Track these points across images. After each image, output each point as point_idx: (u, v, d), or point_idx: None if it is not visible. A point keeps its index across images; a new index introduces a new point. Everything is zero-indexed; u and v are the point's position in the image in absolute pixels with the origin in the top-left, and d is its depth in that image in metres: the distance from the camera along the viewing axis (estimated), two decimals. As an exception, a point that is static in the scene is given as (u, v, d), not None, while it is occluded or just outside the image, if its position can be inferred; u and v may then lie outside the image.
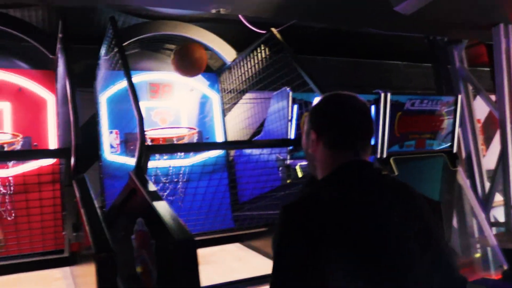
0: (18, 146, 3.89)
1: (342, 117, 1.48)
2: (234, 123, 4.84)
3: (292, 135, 3.61)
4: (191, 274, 1.72)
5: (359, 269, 1.28)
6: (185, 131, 4.40)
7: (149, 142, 4.08)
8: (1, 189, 3.56)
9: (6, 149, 3.75)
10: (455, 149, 4.98)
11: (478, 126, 5.99)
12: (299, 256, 1.31)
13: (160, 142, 4.02)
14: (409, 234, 1.36)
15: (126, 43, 4.33)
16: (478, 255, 5.33)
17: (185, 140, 4.19)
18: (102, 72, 4.34)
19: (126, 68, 3.17)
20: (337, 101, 1.52)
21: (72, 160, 2.47)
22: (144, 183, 2.39)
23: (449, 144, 5.00)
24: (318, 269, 1.27)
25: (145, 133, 4.15)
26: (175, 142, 4.05)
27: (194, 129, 4.40)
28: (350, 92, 1.53)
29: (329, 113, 1.50)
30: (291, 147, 3.65)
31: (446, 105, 4.92)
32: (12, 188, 3.15)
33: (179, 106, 4.80)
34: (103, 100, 4.51)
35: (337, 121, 1.48)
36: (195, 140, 4.29)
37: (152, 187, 2.36)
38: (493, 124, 6.34)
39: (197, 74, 4.58)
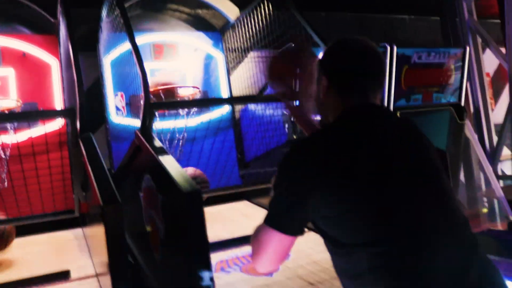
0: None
1: (353, 60, 1.48)
2: (239, 82, 4.81)
3: (297, 89, 3.58)
4: (197, 225, 1.75)
5: (361, 199, 1.31)
6: (193, 90, 4.38)
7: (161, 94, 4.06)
8: (7, 154, 3.60)
9: None
10: (462, 102, 4.94)
11: (487, 79, 5.91)
12: (300, 180, 1.35)
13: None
14: (413, 168, 1.38)
15: (127, 5, 4.28)
16: (485, 209, 5.36)
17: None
18: (104, 35, 4.30)
19: (128, 28, 3.13)
20: (347, 45, 1.52)
21: (78, 120, 2.49)
22: (150, 140, 2.40)
23: (456, 95, 4.96)
24: (315, 196, 1.32)
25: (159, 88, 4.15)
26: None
27: (197, 87, 4.37)
28: (359, 36, 1.52)
29: (340, 57, 1.51)
30: (297, 102, 3.63)
31: (454, 58, 4.85)
32: (20, 153, 3.17)
33: (183, 66, 4.77)
34: (107, 63, 4.49)
35: (347, 64, 1.48)
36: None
37: (158, 143, 2.38)
38: (503, 78, 6.25)
39: None
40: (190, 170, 3.41)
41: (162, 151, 2.22)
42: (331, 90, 1.50)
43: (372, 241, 1.28)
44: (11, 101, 3.93)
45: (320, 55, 1.60)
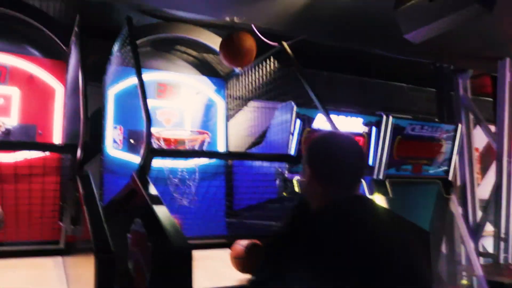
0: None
1: (334, 156, 1.61)
2: (237, 129, 4.91)
3: (292, 149, 3.68)
4: (185, 281, 1.79)
5: None
6: (192, 134, 4.47)
7: (161, 142, 4.17)
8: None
9: None
10: (450, 177, 5.05)
11: (475, 154, 6.06)
12: (281, 262, 1.49)
13: (172, 142, 4.12)
14: (393, 260, 1.47)
15: (139, 42, 4.40)
16: (465, 281, 5.40)
17: (196, 143, 4.27)
18: (113, 68, 4.40)
19: (138, 67, 3.23)
20: (331, 140, 1.68)
21: (78, 156, 2.53)
22: (146, 186, 2.45)
23: (444, 169, 5.08)
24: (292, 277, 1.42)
25: (159, 132, 4.26)
26: (187, 144, 4.16)
27: (207, 133, 4.46)
28: (343, 132, 1.70)
29: (323, 151, 1.64)
30: (290, 162, 3.73)
31: (445, 132, 5.00)
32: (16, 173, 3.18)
33: (184, 107, 4.86)
34: (111, 94, 4.57)
35: (329, 159, 1.62)
36: (206, 144, 4.38)
37: (153, 190, 2.43)
38: (491, 154, 6.40)
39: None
40: None
41: (157, 201, 2.27)
42: (313, 179, 1.62)
43: None
44: None
45: (305, 146, 1.73)
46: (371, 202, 1.70)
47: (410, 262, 1.52)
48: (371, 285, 1.41)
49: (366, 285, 1.40)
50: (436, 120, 5.89)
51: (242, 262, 3.22)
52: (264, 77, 4.37)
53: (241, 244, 3.27)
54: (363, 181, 1.68)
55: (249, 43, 4.16)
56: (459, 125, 5.09)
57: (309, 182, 1.64)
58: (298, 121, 3.82)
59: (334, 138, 1.71)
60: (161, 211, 2.12)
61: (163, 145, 4.23)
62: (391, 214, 1.67)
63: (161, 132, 4.41)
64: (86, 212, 2.09)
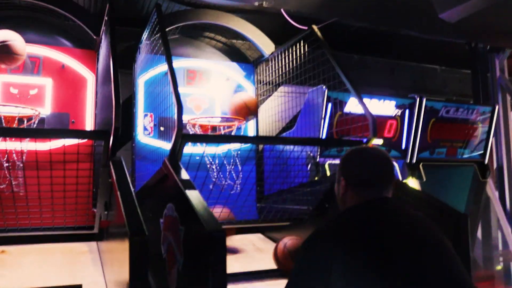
0: (35, 122, 3.93)
1: (365, 163, 1.82)
2: (267, 115, 4.89)
3: (324, 133, 3.64)
4: (219, 266, 1.79)
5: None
6: (221, 120, 4.49)
7: (197, 128, 4.22)
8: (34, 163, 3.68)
9: (25, 123, 3.84)
10: (486, 160, 4.92)
11: (512, 137, 5.89)
12: (317, 260, 1.56)
13: (208, 128, 4.19)
14: (420, 260, 1.55)
15: (168, 29, 4.40)
16: (499, 267, 5.28)
17: (232, 129, 4.30)
18: (142, 56, 4.43)
19: (168, 54, 3.22)
20: (362, 153, 1.88)
21: (111, 142, 2.56)
22: (178, 170, 2.46)
23: (480, 153, 4.95)
24: (329, 274, 1.50)
25: (195, 119, 4.30)
26: (223, 130, 4.19)
27: (241, 119, 4.47)
28: (372, 146, 1.76)
29: (354, 161, 1.85)
30: (322, 146, 3.69)
31: (481, 114, 4.87)
32: (51, 160, 3.24)
33: (214, 94, 4.86)
34: (141, 82, 4.61)
35: (360, 166, 1.82)
36: (242, 129, 4.40)
37: (185, 175, 2.43)
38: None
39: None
40: None
41: (189, 185, 2.27)
42: (348, 189, 1.79)
43: None
44: (28, 110, 3.99)
45: (339, 161, 1.92)
46: (403, 203, 1.82)
47: (446, 262, 1.59)
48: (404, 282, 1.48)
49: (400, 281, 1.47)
50: (471, 102, 5.74)
51: (284, 266, 3.25)
52: (294, 61, 4.32)
53: (287, 247, 3.26)
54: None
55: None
56: (496, 107, 4.94)
57: (344, 193, 1.81)
58: (329, 105, 3.77)
59: (363, 150, 1.94)
60: (193, 195, 2.12)
61: (199, 131, 4.27)
62: (422, 217, 1.75)
63: (197, 119, 4.43)
64: (119, 196, 2.11)
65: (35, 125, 3.82)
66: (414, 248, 1.56)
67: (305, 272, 1.57)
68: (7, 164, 3.55)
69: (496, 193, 5.27)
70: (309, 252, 1.62)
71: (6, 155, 3.55)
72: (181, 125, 2.59)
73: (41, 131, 3.55)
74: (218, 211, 3.32)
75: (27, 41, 4.05)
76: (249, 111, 4.50)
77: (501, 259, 5.26)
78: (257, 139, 4.17)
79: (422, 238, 1.62)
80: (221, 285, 1.78)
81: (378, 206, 1.71)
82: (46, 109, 4.22)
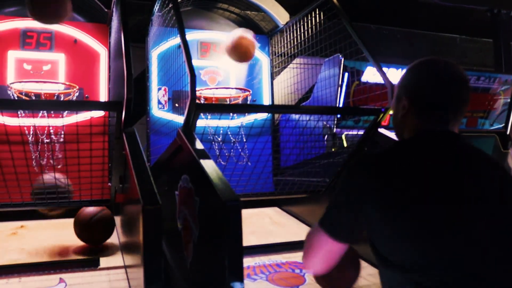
0: (73, 98, 4.00)
1: (439, 86, 1.43)
2: (282, 87, 4.81)
3: (341, 103, 3.56)
4: (234, 235, 1.75)
5: (409, 228, 1.29)
6: (236, 92, 4.41)
7: (202, 100, 4.16)
8: (53, 137, 3.70)
9: (62, 99, 3.87)
10: (508, 131, 4.80)
11: (535, 107, 5.73)
12: (357, 192, 1.39)
13: (213, 100, 4.09)
14: (478, 202, 1.31)
15: (179, 0, 4.32)
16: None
17: (238, 101, 4.22)
18: (154, 28, 4.37)
19: (180, 25, 3.15)
20: (435, 68, 1.46)
21: (123, 113, 2.52)
22: (192, 141, 2.41)
23: (502, 125, 4.83)
24: (367, 210, 1.35)
25: (199, 91, 4.23)
26: (228, 102, 4.11)
27: (248, 90, 4.39)
28: (446, 59, 1.48)
29: (424, 80, 1.45)
30: (338, 116, 3.61)
31: (503, 83, 4.72)
32: (63, 137, 3.24)
33: (228, 66, 4.79)
34: (154, 56, 4.55)
35: (433, 90, 1.43)
36: (248, 102, 4.32)
37: (199, 145, 2.39)
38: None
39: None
40: None
41: (203, 154, 2.23)
42: (411, 111, 1.47)
43: (416, 265, 1.26)
44: (60, 85, 4.03)
45: (402, 73, 1.56)
46: (468, 142, 1.48)
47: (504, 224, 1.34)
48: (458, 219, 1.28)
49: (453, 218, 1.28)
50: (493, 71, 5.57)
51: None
52: (309, 31, 4.21)
53: None
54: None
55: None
56: (519, 75, 4.78)
57: (404, 115, 1.48)
58: (346, 74, 3.68)
59: (438, 65, 1.46)
60: (208, 165, 2.08)
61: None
62: (487, 156, 1.47)
63: (202, 91, 4.36)
64: (132, 167, 2.07)
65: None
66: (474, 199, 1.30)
67: (343, 202, 1.43)
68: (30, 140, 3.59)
69: (518, 165, 5.15)
70: (347, 184, 1.44)
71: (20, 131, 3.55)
72: (194, 94, 2.53)
73: (54, 102, 3.54)
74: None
75: (38, 16, 4.01)
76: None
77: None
78: (272, 108, 4.08)
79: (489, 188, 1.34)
80: (237, 256, 1.74)
81: (444, 142, 1.41)
82: (59, 85, 4.20)
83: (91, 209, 3.15)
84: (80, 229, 3.16)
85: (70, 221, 3.29)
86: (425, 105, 1.45)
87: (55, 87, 3.99)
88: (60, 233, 3.51)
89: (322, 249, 1.44)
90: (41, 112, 3.76)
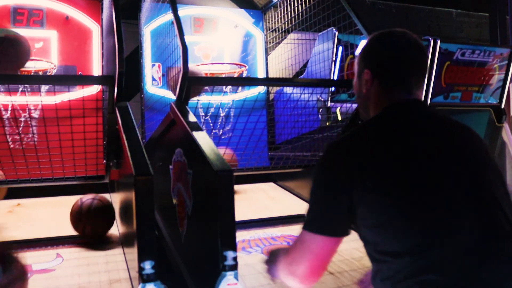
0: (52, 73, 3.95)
1: (397, 53, 1.46)
2: (277, 62, 4.78)
3: (335, 76, 3.55)
4: (226, 205, 1.76)
5: (394, 205, 1.27)
6: (231, 68, 4.38)
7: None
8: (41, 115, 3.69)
9: None
10: (503, 104, 4.80)
11: (531, 81, 5.72)
12: (335, 186, 1.34)
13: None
14: (457, 171, 1.32)
15: (172, -25, 4.26)
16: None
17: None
18: (147, 4, 4.32)
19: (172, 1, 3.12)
20: (391, 37, 1.49)
21: (116, 88, 2.51)
22: (185, 114, 2.41)
23: (497, 101, 4.82)
24: (350, 197, 1.30)
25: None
26: None
27: (244, 65, 4.36)
28: (401, 29, 1.50)
29: (384, 50, 1.48)
30: (333, 89, 3.60)
31: (499, 57, 4.70)
32: (57, 115, 3.23)
33: (222, 42, 4.75)
34: (147, 32, 4.52)
35: (392, 57, 1.46)
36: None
37: (192, 117, 2.38)
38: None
39: None
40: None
41: (196, 127, 2.23)
42: (374, 83, 1.49)
43: (405, 250, 1.23)
44: (44, 63, 3.98)
45: (361, 48, 1.57)
46: (433, 108, 1.55)
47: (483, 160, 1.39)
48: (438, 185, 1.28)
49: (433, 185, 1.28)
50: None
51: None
52: (303, 4, 4.17)
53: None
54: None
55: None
56: (514, 49, 4.75)
57: (369, 89, 1.49)
58: (340, 48, 3.66)
59: (394, 35, 1.49)
60: (201, 137, 2.08)
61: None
62: (457, 122, 1.48)
63: (198, 66, 4.34)
64: (124, 140, 2.07)
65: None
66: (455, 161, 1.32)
67: (324, 195, 1.36)
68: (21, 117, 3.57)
69: (512, 138, 5.16)
70: (324, 172, 1.39)
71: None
72: (186, 67, 2.51)
73: (46, 77, 3.53)
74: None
75: (28, -8, 3.97)
76: None
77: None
78: (267, 81, 4.04)
79: (465, 151, 1.36)
80: (229, 225, 1.75)
81: (416, 112, 1.42)
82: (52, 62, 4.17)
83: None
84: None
85: (67, 198, 3.30)
86: (388, 75, 1.47)
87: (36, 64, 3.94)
88: (57, 211, 3.52)
89: (316, 252, 1.36)
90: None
